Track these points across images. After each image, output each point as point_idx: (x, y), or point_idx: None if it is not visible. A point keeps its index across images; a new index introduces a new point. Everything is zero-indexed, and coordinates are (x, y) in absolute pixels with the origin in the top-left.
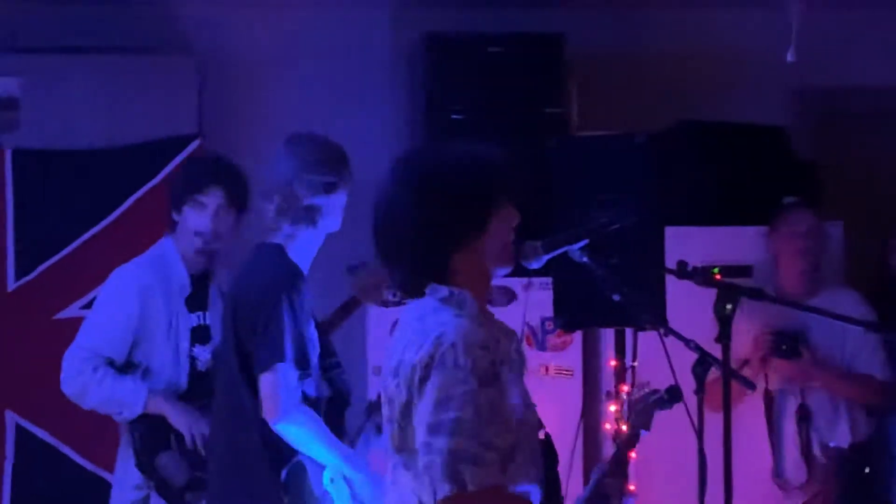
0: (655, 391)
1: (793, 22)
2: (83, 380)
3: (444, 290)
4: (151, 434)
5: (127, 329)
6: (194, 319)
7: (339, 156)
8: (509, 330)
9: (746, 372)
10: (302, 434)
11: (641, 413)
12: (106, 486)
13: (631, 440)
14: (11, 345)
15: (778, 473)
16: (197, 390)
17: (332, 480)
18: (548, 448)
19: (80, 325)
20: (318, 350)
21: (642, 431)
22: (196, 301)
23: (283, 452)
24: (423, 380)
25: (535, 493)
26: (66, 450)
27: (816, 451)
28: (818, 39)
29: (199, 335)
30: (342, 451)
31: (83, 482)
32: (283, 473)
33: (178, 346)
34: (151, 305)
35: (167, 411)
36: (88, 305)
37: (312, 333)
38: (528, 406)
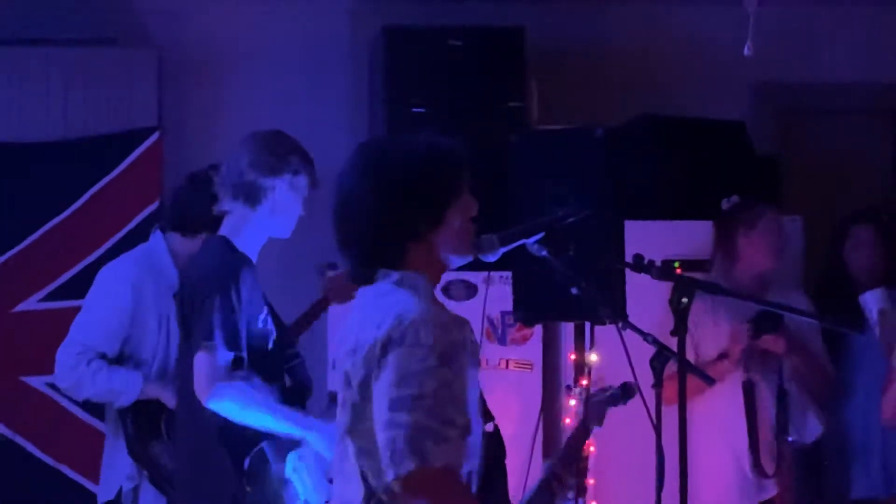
0: (609, 387)
1: (750, 16)
2: (77, 374)
3: (394, 275)
4: (143, 422)
5: (120, 324)
6: None
7: (289, 146)
8: (462, 318)
9: (724, 365)
10: (234, 408)
11: (594, 408)
12: (66, 480)
13: (582, 435)
14: None
15: (756, 464)
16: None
17: (294, 470)
18: (496, 441)
19: (38, 318)
20: (270, 338)
21: (594, 427)
22: None
23: (244, 440)
24: (383, 356)
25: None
26: (23, 443)
27: (789, 433)
28: (777, 34)
29: None
30: (286, 414)
31: (42, 475)
32: (246, 462)
33: (169, 340)
34: (143, 300)
35: (163, 394)
36: (47, 298)
37: (263, 322)
38: (479, 396)
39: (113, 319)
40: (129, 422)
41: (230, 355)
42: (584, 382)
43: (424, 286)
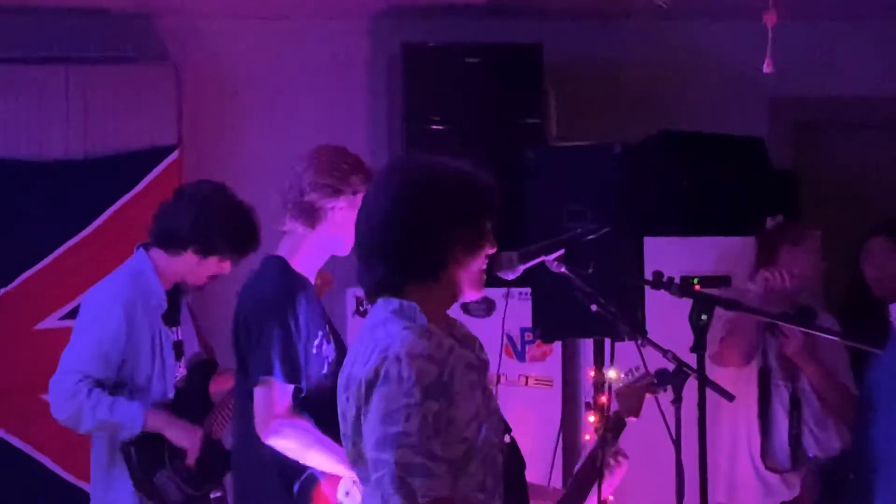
0: (644, 375)
1: (768, 32)
2: (76, 404)
3: (394, 303)
4: (147, 452)
5: (115, 348)
6: (173, 334)
7: (351, 165)
8: (470, 336)
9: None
10: (290, 445)
11: (629, 398)
12: (84, 498)
13: (618, 428)
14: None
15: (765, 455)
16: (176, 406)
17: (347, 493)
18: (512, 452)
19: (59, 336)
20: (328, 360)
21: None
22: (171, 316)
23: (294, 465)
24: (369, 394)
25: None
26: (44, 460)
27: (808, 449)
28: (793, 49)
29: (176, 351)
30: (341, 457)
31: (61, 493)
32: (296, 486)
33: (164, 361)
34: (136, 322)
35: (165, 429)
36: (68, 316)
37: (318, 345)
38: (491, 412)
39: (107, 344)
40: (132, 453)
41: (290, 388)
42: (604, 399)
43: (420, 314)
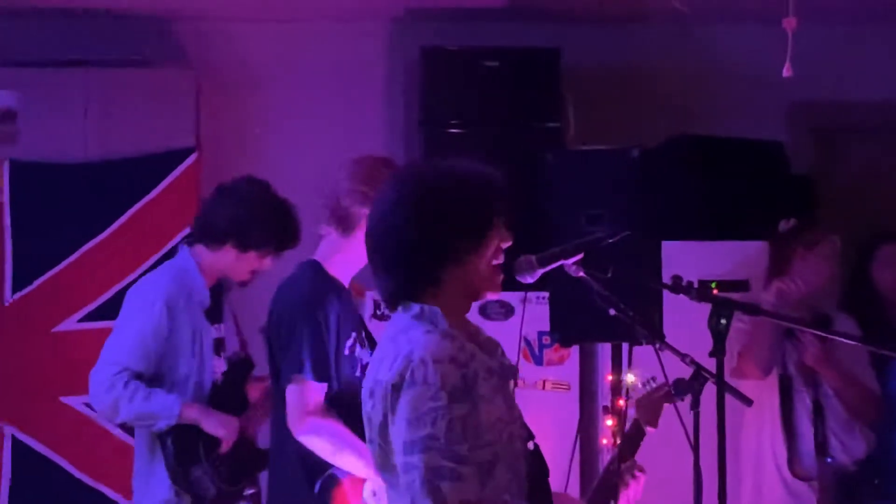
0: (662, 385)
1: (788, 37)
2: (114, 395)
3: (415, 308)
4: (184, 445)
5: (155, 341)
6: (214, 331)
7: (386, 176)
8: (492, 341)
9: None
10: (323, 445)
11: (648, 408)
12: (105, 500)
13: (637, 437)
14: (9, 358)
15: (791, 463)
16: (214, 402)
17: (374, 493)
18: (536, 459)
19: (78, 338)
20: (362, 362)
21: (649, 428)
22: (214, 313)
23: (317, 464)
24: (395, 399)
25: None
26: (62, 462)
27: (833, 452)
28: (812, 54)
29: (217, 347)
30: (370, 460)
31: (80, 495)
32: (317, 486)
33: (203, 357)
34: (177, 318)
35: (201, 419)
36: (87, 318)
37: (351, 346)
38: (514, 418)
39: (148, 338)
40: (168, 446)
41: (322, 387)
42: (622, 403)
43: (442, 318)
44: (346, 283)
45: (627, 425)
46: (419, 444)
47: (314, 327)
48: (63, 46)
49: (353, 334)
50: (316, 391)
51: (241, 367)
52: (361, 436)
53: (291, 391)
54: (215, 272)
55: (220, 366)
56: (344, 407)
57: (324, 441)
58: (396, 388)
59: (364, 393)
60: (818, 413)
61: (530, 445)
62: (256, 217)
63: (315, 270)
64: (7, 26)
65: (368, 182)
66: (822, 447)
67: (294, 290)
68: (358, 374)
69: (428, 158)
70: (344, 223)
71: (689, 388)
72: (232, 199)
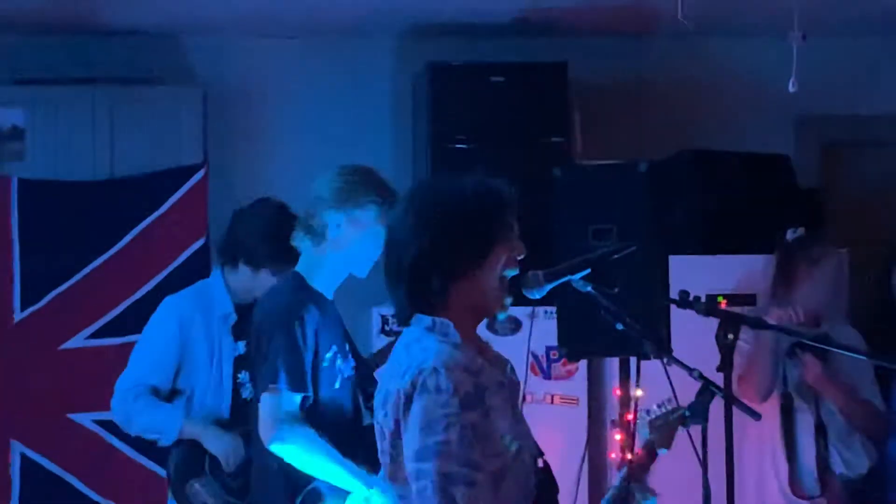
0: (677, 409)
1: (794, 51)
2: (126, 408)
3: (427, 320)
4: (186, 460)
5: (168, 356)
6: (240, 347)
7: (355, 180)
8: (501, 358)
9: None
10: (297, 454)
11: (661, 430)
12: None
13: (650, 458)
14: (17, 375)
15: (793, 483)
16: (240, 417)
17: (366, 500)
18: (546, 476)
19: (86, 355)
20: (342, 375)
21: (662, 450)
22: (242, 329)
23: (299, 478)
24: (408, 406)
25: None
26: (71, 479)
27: (835, 468)
28: (819, 67)
29: (245, 363)
30: (348, 468)
31: None
32: (298, 501)
33: (222, 372)
34: (192, 333)
35: (202, 436)
36: (95, 335)
37: (332, 359)
38: (523, 433)
39: (161, 352)
40: (171, 459)
41: (297, 397)
42: (630, 417)
43: (454, 330)
44: (329, 294)
45: (637, 441)
46: (432, 450)
47: (290, 338)
48: (70, 64)
49: (334, 347)
50: (290, 400)
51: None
52: (342, 446)
53: (265, 401)
54: (242, 290)
55: (247, 381)
56: (322, 418)
57: (296, 447)
58: (409, 396)
59: (376, 403)
60: (820, 431)
61: (540, 463)
62: (265, 236)
63: (295, 281)
64: (14, 43)
65: (337, 191)
66: (824, 466)
67: (272, 302)
68: (337, 386)
69: (436, 174)
70: (312, 233)
71: (704, 412)
72: (243, 221)
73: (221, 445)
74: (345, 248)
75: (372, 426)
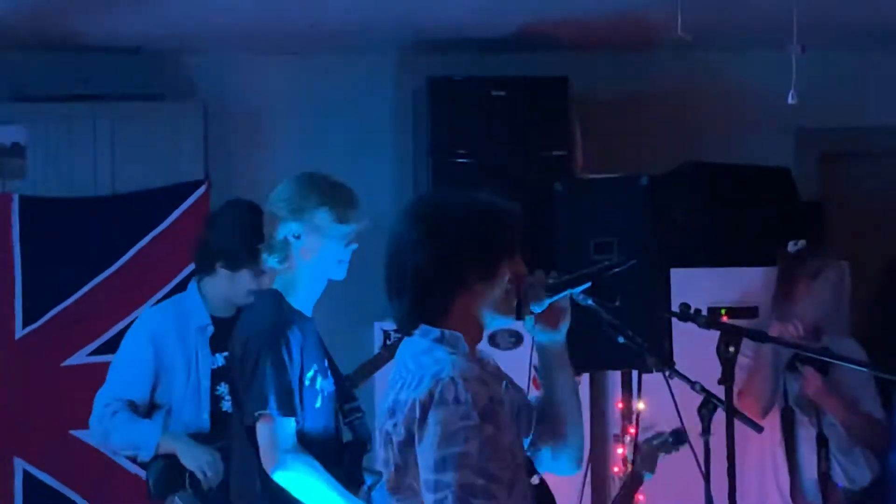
0: (660, 434)
1: (793, 64)
2: (104, 425)
3: (435, 331)
4: (165, 475)
5: (143, 371)
6: (219, 360)
7: (300, 191)
8: (500, 373)
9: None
10: (299, 482)
11: (646, 455)
12: None
13: (635, 483)
14: (19, 392)
15: (795, 495)
16: (221, 430)
17: None
18: (544, 493)
19: (87, 372)
20: (323, 394)
21: (646, 475)
22: (221, 341)
23: (285, 502)
24: (424, 417)
25: None
26: (73, 496)
27: (836, 480)
28: (819, 79)
29: (225, 375)
30: (346, 498)
31: None
32: None
33: (199, 385)
34: (166, 347)
35: (178, 450)
36: (96, 352)
37: (310, 380)
38: (522, 448)
39: (135, 367)
40: (150, 474)
41: (291, 422)
42: (633, 431)
43: (465, 345)
44: (307, 311)
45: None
46: (451, 461)
47: (277, 361)
48: (71, 80)
49: (315, 366)
50: (284, 426)
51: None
52: (325, 466)
53: (261, 430)
54: (221, 299)
55: (227, 393)
56: (304, 437)
57: (299, 476)
58: (425, 406)
59: (383, 414)
60: (821, 444)
61: (536, 480)
62: (241, 235)
63: (276, 300)
64: (16, 60)
65: (283, 202)
66: (825, 478)
67: (256, 322)
68: (318, 405)
69: (437, 188)
70: (275, 250)
71: (686, 438)
72: (215, 224)
73: (196, 461)
74: (312, 258)
75: (350, 443)
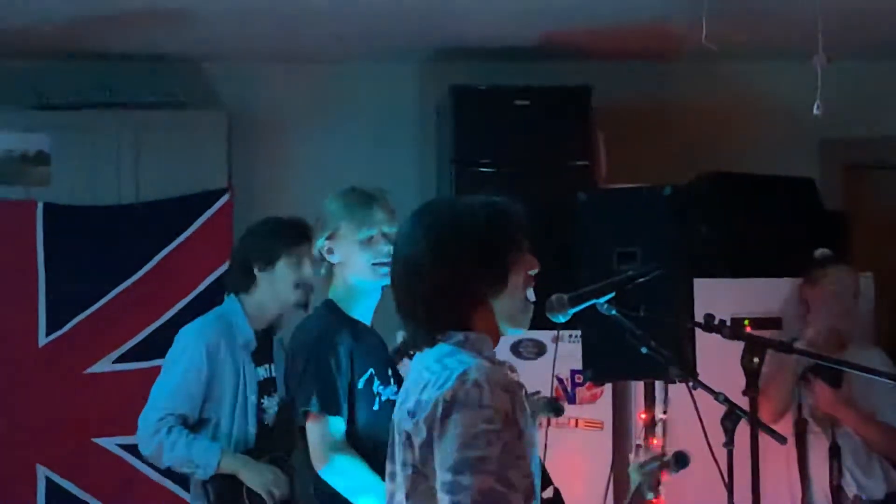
0: (662, 455)
1: (818, 75)
2: (158, 440)
3: (459, 335)
4: (225, 492)
5: (198, 386)
6: (262, 373)
7: (332, 205)
8: (519, 381)
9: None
10: (345, 481)
11: (647, 476)
12: None
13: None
14: (43, 399)
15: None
16: (265, 443)
17: None
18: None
19: (111, 379)
20: (381, 397)
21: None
22: (262, 355)
23: (334, 501)
24: (446, 417)
25: None
26: (95, 503)
27: (849, 492)
28: (843, 90)
29: (267, 388)
30: None
31: None
32: None
33: (247, 399)
34: (219, 361)
35: (241, 471)
36: (120, 360)
37: (368, 381)
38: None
39: (191, 383)
40: (209, 491)
41: (339, 420)
42: (656, 441)
43: (490, 346)
44: (366, 320)
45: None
46: (471, 464)
47: (321, 362)
48: (95, 89)
49: (371, 370)
50: (331, 424)
51: (292, 408)
52: (378, 468)
53: (310, 429)
54: (264, 312)
55: (270, 406)
56: (360, 441)
57: (344, 476)
58: (447, 408)
59: (401, 415)
60: (834, 456)
61: (549, 493)
62: (273, 232)
63: (328, 309)
64: (40, 69)
65: (317, 220)
66: (836, 486)
67: (305, 331)
68: (376, 408)
69: (432, 199)
70: (320, 263)
71: (687, 461)
72: (247, 234)
73: (262, 480)
74: (346, 267)
75: None
